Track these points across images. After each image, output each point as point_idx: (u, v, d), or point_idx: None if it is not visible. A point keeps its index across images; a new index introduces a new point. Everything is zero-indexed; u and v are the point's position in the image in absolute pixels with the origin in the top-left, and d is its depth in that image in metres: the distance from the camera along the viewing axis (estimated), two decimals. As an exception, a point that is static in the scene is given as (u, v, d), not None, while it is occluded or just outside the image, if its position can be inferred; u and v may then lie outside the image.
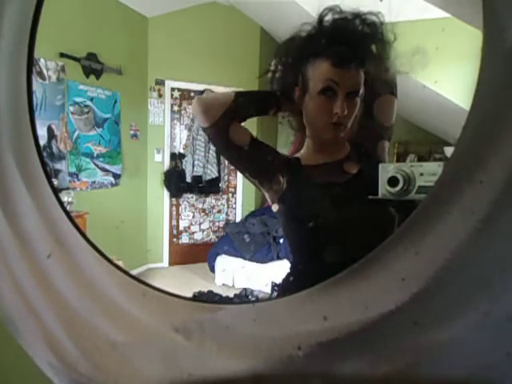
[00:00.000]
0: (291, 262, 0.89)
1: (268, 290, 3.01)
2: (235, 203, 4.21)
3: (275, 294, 0.92)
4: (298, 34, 0.79)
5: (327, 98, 0.75)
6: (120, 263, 2.16)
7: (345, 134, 0.80)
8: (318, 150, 0.85)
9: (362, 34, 0.74)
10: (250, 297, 3.14)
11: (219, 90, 3.86)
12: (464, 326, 0.37)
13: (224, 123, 0.80)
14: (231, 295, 3.13)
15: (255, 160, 0.84)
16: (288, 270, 0.87)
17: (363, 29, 0.74)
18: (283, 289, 0.88)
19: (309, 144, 0.86)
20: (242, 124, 0.84)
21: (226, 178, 4.14)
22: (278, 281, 0.88)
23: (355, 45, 0.74)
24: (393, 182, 0.63)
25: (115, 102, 3.35)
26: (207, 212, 4.13)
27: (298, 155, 0.87)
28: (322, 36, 0.76)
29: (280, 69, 0.85)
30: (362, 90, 0.76)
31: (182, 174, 3.83)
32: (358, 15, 0.74)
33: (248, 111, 0.85)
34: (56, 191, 0.60)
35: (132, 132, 3.61)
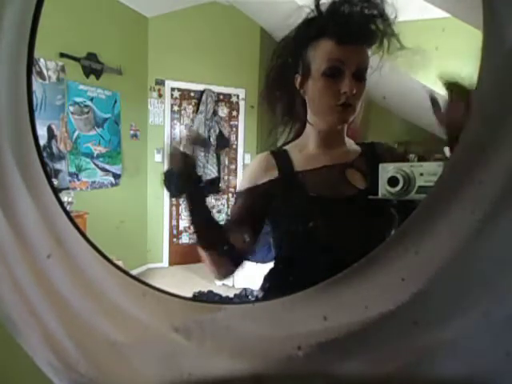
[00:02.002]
0: (274, 263, 0.85)
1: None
2: (235, 203, 4.20)
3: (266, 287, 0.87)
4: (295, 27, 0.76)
5: (333, 78, 0.71)
6: (120, 263, 2.16)
7: (353, 119, 0.74)
8: (321, 143, 0.78)
9: (362, 11, 0.71)
10: (249, 297, 3.14)
11: (219, 90, 3.86)
12: (464, 326, 0.37)
13: (242, 257, 0.82)
14: (231, 295, 3.12)
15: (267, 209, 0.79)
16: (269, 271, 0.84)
17: (363, 7, 0.71)
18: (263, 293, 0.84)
19: (310, 136, 0.80)
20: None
21: (226, 178, 4.14)
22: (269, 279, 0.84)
23: (358, 22, 0.71)
24: (393, 181, 0.63)
25: (115, 102, 3.35)
26: (207, 212, 4.13)
27: (291, 149, 0.81)
28: (321, 17, 0.73)
29: (279, 62, 0.79)
30: (368, 72, 0.72)
31: (182, 174, 3.82)
32: None
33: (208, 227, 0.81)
34: (56, 191, 0.60)
35: (132, 132, 3.61)
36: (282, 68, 0.79)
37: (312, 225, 0.72)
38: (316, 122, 0.78)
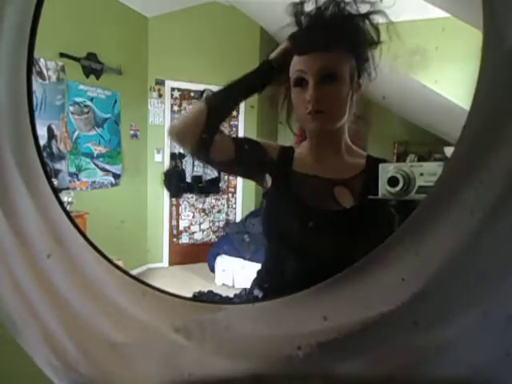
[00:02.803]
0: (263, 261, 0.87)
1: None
2: (235, 203, 4.21)
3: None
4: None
5: (301, 88, 0.73)
6: (120, 263, 2.16)
7: (333, 124, 0.74)
8: (314, 151, 0.80)
9: (321, 16, 0.72)
10: (248, 295, 3.13)
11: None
12: (464, 326, 0.37)
13: (203, 147, 0.77)
14: (231, 295, 3.12)
15: (243, 168, 0.84)
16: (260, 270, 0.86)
17: (323, 12, 0.71)
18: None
19: (307, 141, 0.83)
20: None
21: (226, 178, 4.14)
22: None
23: (312, 31, 0.72)
24: (393, 182, 0.63)
25: (115, 102, 3.35)
26: (207, 212, 4.13)
27: (298, 149, 0.84)
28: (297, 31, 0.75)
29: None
30: (344, 74, 0.72)
31: (182, 174, 3.83)
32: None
33: (228, 110, 0.83)
34: (56, 191, 0.60)
35: (132, 132, 3.61)
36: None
37: (289, 228, 0.74)
38: (301, 125, 0.81)
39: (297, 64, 0.74)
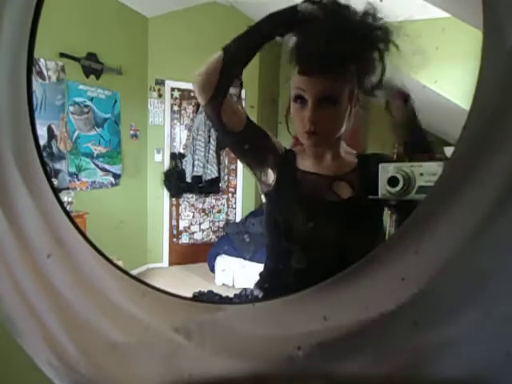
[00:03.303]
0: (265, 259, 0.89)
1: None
2: (235, 203, 4.20)
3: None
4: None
5: (300, 105, 0.73)
6: (120, 263, 2.16)
7: (328, 144, 0.77)
8: (312, 153, 0.82)
9: (328, 38, 0.65)
10: (249, 297, 3.14)
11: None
12: (464, 326, 0.37)
13: (217, 101, 0.75)
14: (231, 295, 3.12)
15: (249, 147, 0.81)
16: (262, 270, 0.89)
17: (332, 32, 0.66)
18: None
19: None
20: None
21: (226, 178, 4.14)
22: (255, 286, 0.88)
23: (317, 54, 0.67)
24: (393, 181, 0.63)
25: (115, 101, 3.35)
26: (207, 212, 4.13)
27: (296, 150, 0.85)
28: (297, 43, 0.71)
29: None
30: (344, 95, 0.71)
31: (182, 173, 3.83)
32: (330, 12, 0.66)
33: (244, 56, 0.76)
34: (56, 191, 0.60)
35: (132, 132, 3.61)
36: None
37: (294, 219, 0.76)
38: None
39: (297, 81, 0.73)
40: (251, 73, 3.87)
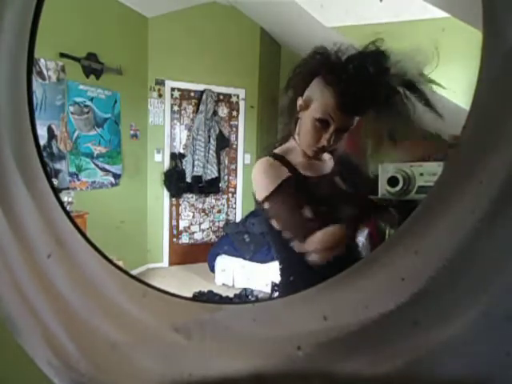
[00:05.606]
0: (281, 261, 0.93)
1: (268, 289, 3.01)
2: (235, 203, 4.20)
3: (275, 293, 0.96)
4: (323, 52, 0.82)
5: (321, 126, 0.82)
6: (120, 263, 2.16)
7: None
8: (306, 157, 0.90)
9: (372, 87, 0.76)
10: (249, 297, 3.14)
11: (219, 90, 3.86)
12: (464, 326, 0.37)
13: None
14: (231, 295, 3.12)
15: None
16: (281, 270, 0.92)
17: (376, 81, 0.77)
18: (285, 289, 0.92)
19: (298, 148, 0.90)
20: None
21: (226, 178, 4.14)
22: (278, 280, 0.90)
23: (361, 98, 0.77)
24: (393, 181, 0.63)
25: (115, 101, 3.35)
26: (207, 212, 4.13)
27: (285, 153, 0.90)
28: (339, 70, 0.79)
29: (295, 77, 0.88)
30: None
31: (182, 173, 3.83)
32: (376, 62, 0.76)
33: None
34: (56, 191, 0.60)
35: (132, 132, 3.61)
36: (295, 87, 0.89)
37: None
38: (299, 143, 0.89)
39: (330, 109, 0.80)
40: (251, 73, 3.87)
